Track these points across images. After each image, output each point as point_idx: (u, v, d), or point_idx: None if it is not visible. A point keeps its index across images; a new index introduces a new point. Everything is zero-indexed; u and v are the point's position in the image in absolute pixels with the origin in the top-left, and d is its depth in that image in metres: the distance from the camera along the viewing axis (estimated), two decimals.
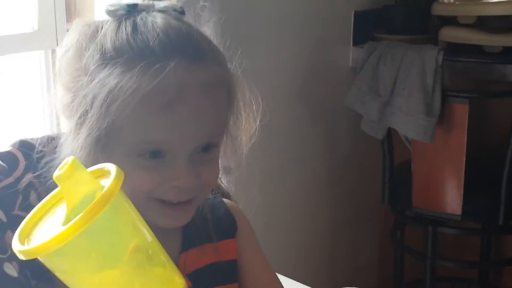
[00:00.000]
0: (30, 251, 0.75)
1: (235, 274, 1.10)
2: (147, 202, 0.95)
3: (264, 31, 2.20)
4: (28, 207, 1.05)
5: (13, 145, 1.11)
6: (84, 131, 0.92)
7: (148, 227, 0.85)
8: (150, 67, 0.89)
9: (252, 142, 1.09)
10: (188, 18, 1.02)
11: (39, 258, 0.76)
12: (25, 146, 1.09)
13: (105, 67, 0.91)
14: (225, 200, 1.17)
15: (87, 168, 0.81)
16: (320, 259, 2.64)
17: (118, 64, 0.91)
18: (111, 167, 0.80)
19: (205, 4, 1.77)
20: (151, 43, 0.91)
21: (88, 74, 0.93)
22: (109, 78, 0.90)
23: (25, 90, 1.79)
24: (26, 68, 1.79)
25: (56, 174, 0.77)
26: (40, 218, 0.82)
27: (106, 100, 0.89)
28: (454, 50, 2.27)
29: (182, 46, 0.93)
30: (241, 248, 1.12)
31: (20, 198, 1.05)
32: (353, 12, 2.50)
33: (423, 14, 2.44)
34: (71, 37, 0.98)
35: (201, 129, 0.94)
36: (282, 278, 1.22)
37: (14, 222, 1.01)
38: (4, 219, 1.03)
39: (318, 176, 2.55)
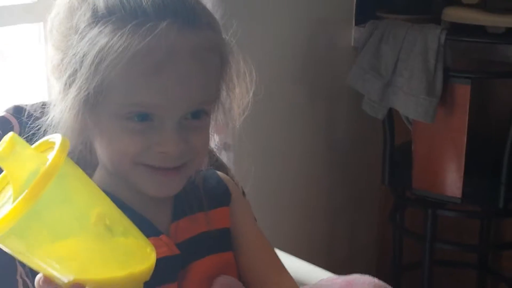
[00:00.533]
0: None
1: (228, 243, 1.10)
2: (134, 168, 0.95)
3: (265, 8, 2.19)
4: None
5: (7, 111, 1.11)
6: (73, 91, 0.91)
7: (107, 197, 0.83)
8: (141, 27, 0.88)
9: (245, 115, 1.08)
10: None
11: None
12: (18, 112, 1.09)
13: (96, 25, 0.91)
14: (217, 172, 1.16)
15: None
16: (319, 239, 2.63)
17: (109, 22, 0.90)
18: (56, 138, 0.78)
19: None
20: (143, 3, 0.90)
21: (79, 32, 0.92)
22: (99, 36, 0.90)
23: (25, 62, 1.79)
24: (25, 40, 1.78)
25: None
26: None
27: (96, 59, 0.89)
28: (457, 30, 2.25)
29: (175, 8, 0.92)
30: (234, 217, 1.11)
31: None
32: None
33: None
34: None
35: (191, 94, 0.93)
36: (281, 254, 1.21)
37: None
38: None
39: (318, 155, 2.55)
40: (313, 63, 2.41)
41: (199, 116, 0.96)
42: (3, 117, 1.10)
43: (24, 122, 1.05)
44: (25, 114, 1.08)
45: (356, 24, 2.49)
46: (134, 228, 0.85)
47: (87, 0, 0.94)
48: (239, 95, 1.04)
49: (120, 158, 0.94)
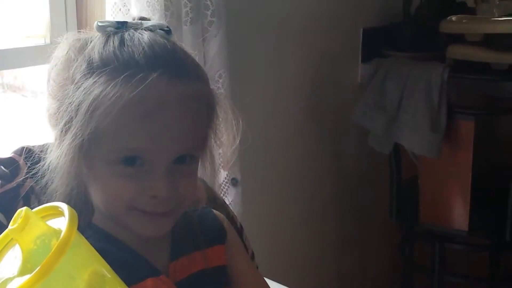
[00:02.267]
0: None
1: (224, 280, 1.13)
2: (126, 212, 0.98)
3: (272, 46, 2.23)
4: None
5: (15, 152, 1.16)
6: (68, 137, 0.95)
7: (106, 263, 0.87)
8: (133, 77, 0.93)
9: (233, 161, 1.11)
10: (178, 34, 1.06)
11: None
12: (26, 153, 1.14)
13: (91, 76, 0.96)
14: (213, 210, 1.19)
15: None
16: (328, 274, 2.65)
17: (104, 73, 0.95)
18: (65, 208, 0.82)
19: (213, 19, 1.83)
20: (136, 55, 0.95)
21: (75, 82, 0.97)
22: (94, 86, 0.94)
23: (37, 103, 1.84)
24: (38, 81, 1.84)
25: (10, 228, 0.79)
26: None
27: (90, 107, 0.93)
28: (461, 67, 2.29)
29: (165, 60, 0.97)
30: (230, 254, 1.14)
31: (21, 202, 1.11)
32: (361, 29, 2.53)
33: (431, 32, 2.46)
34: (61, 50, 1.03)
35: (179, 140, 0.97)
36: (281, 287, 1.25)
37: None
38: (5, 222, 1.07)
39: (325, 191, 2.57)
40: (320, 100, 2.45)
41: (187, 161, 1.00)
42: (12, 158, 1.16)
43: (31, 163, 1.10)
44: (33, 156, 1.13)
45: (362, 61, 2.54)
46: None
47: (83, 53, 0.99)
48: (226, 143, 1.08)
49: (114, 202, 0.98)
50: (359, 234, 2.74)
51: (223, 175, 1.90)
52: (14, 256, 0.82)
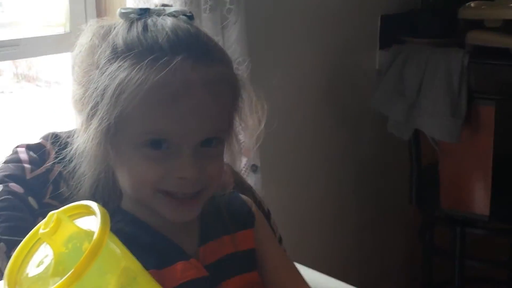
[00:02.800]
0: None
1: (253, 263, 1.14)
2: (154, 195, 1.00)
3: (291, 33, 2.23)
4: (58, 196, 1.12)
5: (44, 138, 1.18)
6: (94, 122, 0.97)
7: (135, 259, 0.87)
8: (158, 61, 0.94)
9: (258, 145, 1.12)
10: (197, 22, 1.07)
11: None
12: (54, 138, 1.16)
13: (115, 61, 0.97)
14: (240, 195, 1.20)
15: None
16: (348, 258, 2.66)
17: (128, 58, 0.96)
18: (96, 208, 0.83)
19: (231, 6, 1.83)
20: (160, 40, 0.97)
21: (99, 68, 0.99)
22: (119, 70, 0.96)
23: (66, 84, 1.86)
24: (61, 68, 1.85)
25: (42, 231, 0.80)
26: (24, 260, 0.85)
27: (116, 91, 0.95)
28: (480, 53, 2.28)
29: (189, 44, 0.98)
30: (258, 238, 1.15)
31: (51, 187, 1.13)
32: (379, 16, 2.53)
33: (450, 18, 2.45)
34: (85, 37, 1.04)
35: (205, 123, 0.98)
36: (306, 270, 1.25)
37: (45, 210, 1.07)
38: (36, 207, 1.09)
39: (345, 177, 2.58)
40: (338, 86, 2.45)
41: (213, 144, 1.01)
42: (40, 144, 1.17)
43: (59, 149, 1.12)
44: (60, 141, 1.14)
45: (380, 48, 2.54)
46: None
47: (107, 39, 1.01)
48: (252, 126, 1.09)
49: (141, 185, 0.99)
50: (379, 220, 2.74)
51: (243, 161, 1.90)
52: (46, 254, 0.83)
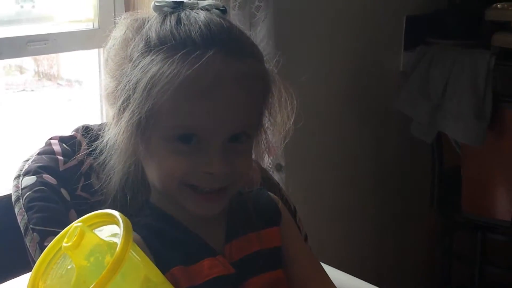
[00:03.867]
0: None
1: (279, 261, 1.13)
2: (180, 188, 1.00)
3: (317, 32, 2.23)
4: (88, 189, 1.12)
5: (76, 130, 1.18)
6: (126, 115, 0.98)
7: (156, 268, 0.87)
8: (190, 55, 0.94)
9: (286, 141, 1.12)
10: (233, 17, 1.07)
11: None
12: (85, 131, 1.16)
13: (148, 54, 0.97)
14: (268, 192, 1.20)
15: None
16: (367, 259, 2.65)
17: (161, 51, 0.96)
18: (119, 218, 0.84)
19: (260, 4, 1.82)
20: (192, 34, 0.97)
21: (132, 61, 0.99)
22: (152, 64, 0.96)
23: (86, 84, 1.86)
24: (83, 66, 1.85)
25: (65, 245, 0.81)
26: (46, 270, 0.86)
27: (148, 85, 0.95)
28: (506, 55, 2.26)
29: (222, 38, 0.98)
30: (285, 236, 1.15)
31: (83, 180, 1.13)
32: (405, 17, 2.51)
33: (476, 19, 2.44)
34: (119, 30, 1.05)
35: (235, 117, 0.98)
36: (329, 268, 1.25)
37: (77, 202, 1.07)
38: (68, 198, 1.10)
39: (366, 178, 2.57)
40: (362, 87, 2.44)
41: (242, 139, 1.01)
42: (72, 136, 1.18)
43: (90, 141, 1.13)
44: (91, 134, 1.15)
45: (404, 49, 2.53)
46: None
47: (141, 32, 1.01)
48: (280, 122, 1.08)
49: (169, 179, 0.99)
50: (399, 222, 2.73)
51: (267, 160, 1.90)
52: (67, 265, 0.84)
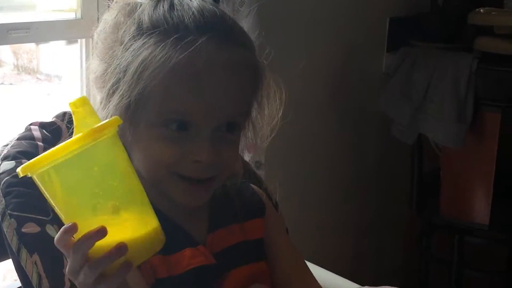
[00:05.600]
0: (25, 166, 0.81)
1: (262, 253, 1.13)
2: (169, 177, 0.99)
3: (300, 32, 2.22)
4: None
5: (57, 117, 1.16)
6: (115, 98, 0.97)
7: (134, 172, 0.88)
8: (183, 40, 0.94)
9: (273, 136, 1.11)
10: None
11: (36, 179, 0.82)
12: (68, 118, 1.14)
13: (140, 38, 0.97)
14: (251, 185, 1.20)
15: None
16: (344, 260, 2.64)
17: (153, 35, 0.96)
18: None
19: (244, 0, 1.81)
20: (186, 19, 0.97)
21: (123, 44, 0.98)
22: (143, 47, 0.96)
23: (66, 79, 1.84)
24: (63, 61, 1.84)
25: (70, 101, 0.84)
26: None
27: (139, 68, 0.95)
28: (488, 59, 2.27)
29: (214, 25, 0.98)
30: (268, 228, 1.15)
31: None
32: (388, 19, 2.52)
33: (459, 23, 2.45)
34: (110, 14, 1.04)
35: (225, 105, 0.98)
36: (310, 265, 1.25)
37: None
38: None
39: (346, 178, 2.57)
40: (344, 88, 2.44)
41: (232, 129, 1.01)
42: (53, 122, 1.16)
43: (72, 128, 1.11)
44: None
45: (387, 51, 2.53)
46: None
47: (133, 16, 1.00)
48: (268, 116, 1.09)
49: (156, 166, 0.99)
50: (377, 224, 2.73)
51: (246, 157, 1.89)
52: None
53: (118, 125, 0.84)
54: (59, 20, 1.71)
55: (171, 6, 0.99)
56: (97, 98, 1.03)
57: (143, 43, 0.96)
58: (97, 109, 1.01)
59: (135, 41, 0.97)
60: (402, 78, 2.32)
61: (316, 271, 1.27)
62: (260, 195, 1.18)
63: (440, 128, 2.22)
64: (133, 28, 0.99)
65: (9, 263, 1.11)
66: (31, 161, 0.80)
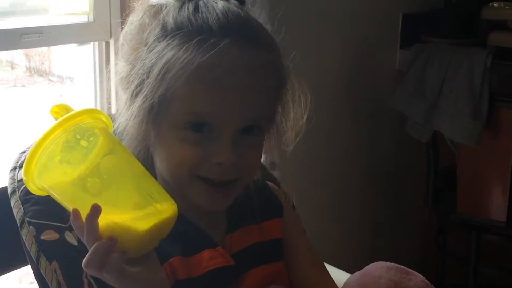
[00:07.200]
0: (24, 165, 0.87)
1: (280, 253, 1.13)
2: (191, 181, 0.99)
3: (312, 30, 2.22)
4: None
5: None
6: (139, 100, 0.97)
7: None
8: (206, 42, 0.94)
9: (298, 139, 1.10)
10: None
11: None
12: None
13: (164, 39, 0.97)
14: (269, 184, 1.20)
15: None
16: (360, 257, 2.63)
17: (177, 37, 0.96)
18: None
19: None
20: (210, 21, 0.96)
21: (148, 45, 0.99)
22: (167, 49, 0.96)
23: (78, 81, 1.84)
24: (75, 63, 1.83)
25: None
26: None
27: (162, 70, 0.95)
28: (502, 54, 2.25)
29: (239, 27, 0.97)
30: (286, 228, 1.15)
31: None
32: (401, 15, 2.50)
33: (472, 18, 2.43)
34: (135, 15, 1.05)
35: (247, 107, 0.97)
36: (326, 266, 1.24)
37: None
38: None
39: (361, 177, 2.56)
40: (358, 85, 2.43)
41: (253, 132, 1.00)
42: None
43: None
44: None
45: (400, 48, 2.52)
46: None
47: (158, 17, 1.01)
48: (293, 120, 1.08)
49: (178, 168, 0.99)
50: (393, 221, 2.72)
51: (263, 158, 1.89)
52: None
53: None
54: (71, 24, 1.71)
55: (196, 8, 0.99)
56: (122, 98, 1.04)
57: (167, 45, 0.96)
58: (121, 110, 1.02)
59: (159, 42, 0.97)
60: (415, 75, 2.30)
61: (332, 271, 1.26)
62: (278, 195, 1.18)
63: (455, 126, 2.20)
64: (157, 29, 0.99)
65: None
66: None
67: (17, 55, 2.35)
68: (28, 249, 1.03)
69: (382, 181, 2.64)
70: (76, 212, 0.85)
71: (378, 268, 1.18)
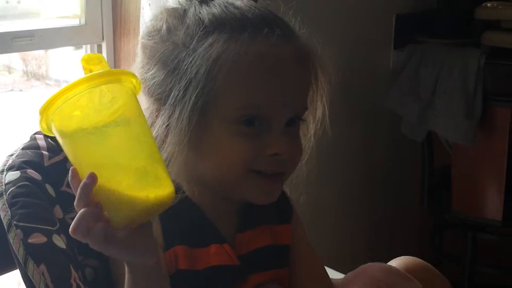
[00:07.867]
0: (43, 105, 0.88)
1: (287, 259, 1.13)
2: (245, 176, 0.98)
3: (305, 30, 2.21)
4: None
5: None
6: (184, 101, 0.95)
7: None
8: (258, 34, 0.95)
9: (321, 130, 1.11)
10: None
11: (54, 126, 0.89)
12: None
13: (207, 37, 0.96)
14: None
15: None
16: (355, 257, 2.63)
17: (222, 33, 0.96)
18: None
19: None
20: (248, 14, 0.98)
21: (188, 46, 0.97)
22: (213, 46, 0.95)
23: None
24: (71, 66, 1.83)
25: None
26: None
27: (213, 66, 0.94)
28: (496, 54, 2.25)
29: (274, 20, 1.00)
30: (293, 233, 1.15)
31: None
32: (394, 15, 2.50)
33: (466, 18, 2.43)
34: (157, 21, 1.03)
35: (296, 98, 1.00)
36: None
37: (62, 198, 1.05)
38: (53, 194, 1.07)
39: (356, 176, 2.56)
40: (352, 85, 2.43)
41: (296, 124, 1.02)
42: None
43: None
44: None
45: (394, 48, 2.52)
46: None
47: (185, 18, 1.00)
48: (318, 117, 1.10)
49: (232, 166, 0.98)
50: (388, 221, 2.72)
51: None
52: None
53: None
54: (63, 27, 1.71)
55: (226, 4, 1.00)
56: (150, 106, 1.01)
57: (213, 41, 0.95)
58: (152, 117, 1.00)
59: (201, 40, 0.96)
60: (409, 75, 2.31)
61: (331, 273, 1.26)
62: (289, 199, 1.18)
63: (449, 125, 2.21)
64: (193, 29, 0.98)
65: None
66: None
67: (14, 59, 2.35)
68: (16, 252, 1.03)
69: (377, 181, 2.64)
70: (74, 171, 0.84)
71: (375, 268, 1.22)
